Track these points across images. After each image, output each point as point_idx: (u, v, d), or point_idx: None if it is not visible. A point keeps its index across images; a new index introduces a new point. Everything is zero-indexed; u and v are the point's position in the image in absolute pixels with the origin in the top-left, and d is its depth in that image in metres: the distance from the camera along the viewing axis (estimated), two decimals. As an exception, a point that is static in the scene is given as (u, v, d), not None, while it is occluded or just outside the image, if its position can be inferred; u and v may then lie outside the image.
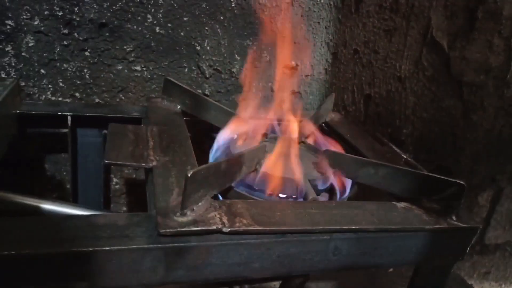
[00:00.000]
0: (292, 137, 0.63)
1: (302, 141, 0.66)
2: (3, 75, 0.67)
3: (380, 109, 0.98)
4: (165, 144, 0.54)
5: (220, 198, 0.51)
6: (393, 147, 0.69)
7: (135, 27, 0.71)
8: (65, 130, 0.64)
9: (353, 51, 0.90)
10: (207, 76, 0.80)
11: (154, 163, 0.49)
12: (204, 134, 0.67)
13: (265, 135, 0.64)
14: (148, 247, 0.37)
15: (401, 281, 0.73)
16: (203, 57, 0.78)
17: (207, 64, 0.79)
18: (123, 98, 0.76)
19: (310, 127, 0.67)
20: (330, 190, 0.57)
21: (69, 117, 0.63)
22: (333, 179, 0.57)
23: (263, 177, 0.54)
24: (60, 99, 0.72)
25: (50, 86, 0.71)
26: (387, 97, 0.97)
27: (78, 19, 0.68)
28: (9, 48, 0.66)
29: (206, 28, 0.76)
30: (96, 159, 0.67)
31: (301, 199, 0.54)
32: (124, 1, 0.69)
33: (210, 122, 0.67)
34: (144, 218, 0.41)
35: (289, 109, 0.66)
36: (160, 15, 0.72)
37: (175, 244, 0.38)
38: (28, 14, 0.65)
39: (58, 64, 0.70)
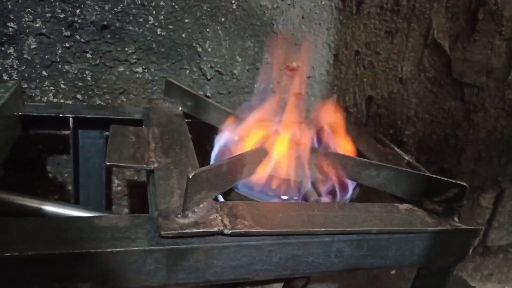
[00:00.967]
0: (293, 139, 0.63)
1: (303, 143, 0.66)
2: (5, 77, 0.67)
3: (382, 111, 0.98)
4: (166, 145, 0.54)
5: (222, 200, 0.51)
6: (395, 148, 0.69)
7: (136, 29, 0.71)
8: (67, 132, 0.64)
9: (355, 52, 0.90)
10: (209, 77, 0.80)
11: (156, 164, 0.49)
12: (205, 136, 0.67)
13: (266, 136, 0.64)
14: (150, 249, 0.37)
15: (403, 283, 0.73)
16: (205, 58, 0.78)
17: (209, 65, 0.79)
18: (124, 100, 0.76)
19: (312, 129, 0.67)
20: (332, 192, 0.57)
21: (70, 119, 0.63)
22: (335, 181, 0.57)
23: (265, 179, 0.54)
24: (62, 101, 0.72)
25: (52, 88, 0.71)
26: (388, 98, 0.97)
27: (80, 21, 0.68)
28: (11, 50, 0.66)
29: (207, 29, 0.76)
30: (97, 161, 0.67)
31: (303, 201, 0.54)
32: (125, 3, 0.69)
33: (212, 124, 0.67)
34: (145, 220, 0.41)
35: (290, 111, 0.66)
36: (162, 17, 0.72)
37: (177, 246, 0.38)
38: (30, 16, 0.65)
39: (60, 66, 0.70)
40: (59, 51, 0.69)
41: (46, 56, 0.68)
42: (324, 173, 0.58)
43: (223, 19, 0.76)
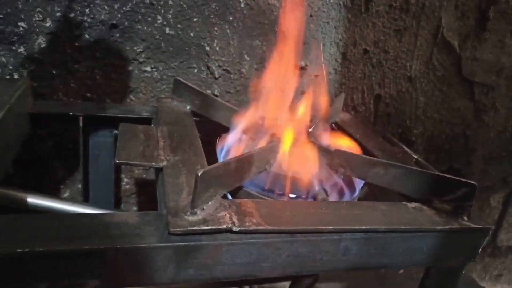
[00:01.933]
0: (302, 137, 0.63)
1: (312, 141, 0.66)
2: (15, 76, 0.68)
3: (390, 110, 0.97)
4: (175, 144, 0.54)
5: (230, 197, 0.51)
6: (404, 147, 0.68)
7: (145, 28, 0.72)
8: (77, 130, 0.64)
9: (363, 51, 0.89)
10: (217, 76, 0.80)
11: (164, 162, 0.49)
12: (213, 134, 0.67)
13: (274, 134, 0.64)
14: (159, 246, 0.37)
15: (412, 282, 0.72)
16: (213, 57, 0.78)
17: (217, 64, 0.79)
18: (133, 98, 0.76)
19: (320, 127, 0.67)
20: (340, 190, 0.57)
21: (80, 117, 0.64)
22: (343, 179, 0.57)
23: (273, 176, 0.54)
24: (71, 99, 0.73)
25: (61, 86, 0.71)
26: (397, 97, 0.96)
27: (89, 20, 0.69)
28: (21, 49, 0.67)
29: (216, 28, 0.76)
30: (107, 159, 0.68)
31: (311, 199, 0.54)
32: (134, 2, 0.70)
33: (220, 122, 0.67)
34: (154, 217, 0.41)
35: (299, 109, 0.66)
36: (170, 16, 0.72)
37: (185, 243, 0.38)
38: (40, 16, 0.66)
39: (69, 64, 0.70)
40: (69, 50, 0.69)
41: (56, 55, 0.69)
42: (332, 171, 0.57)
43: (231, 18, 0.77)
